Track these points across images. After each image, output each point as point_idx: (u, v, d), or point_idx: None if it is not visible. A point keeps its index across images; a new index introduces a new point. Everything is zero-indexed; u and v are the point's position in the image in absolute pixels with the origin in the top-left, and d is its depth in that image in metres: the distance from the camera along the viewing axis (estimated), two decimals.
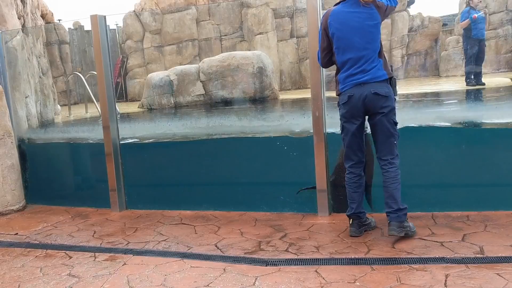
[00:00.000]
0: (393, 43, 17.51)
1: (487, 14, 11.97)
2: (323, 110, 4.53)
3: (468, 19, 10.13)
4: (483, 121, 5.63)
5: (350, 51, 3.76)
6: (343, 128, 3.93)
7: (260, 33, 16.12)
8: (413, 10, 18.24)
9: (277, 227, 4.36)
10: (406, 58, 17.86)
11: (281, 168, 4.88)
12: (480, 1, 10.91)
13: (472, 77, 10.73)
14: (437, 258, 3.34)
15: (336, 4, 3.91)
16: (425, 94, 11.71)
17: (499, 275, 2.99)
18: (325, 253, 3.62)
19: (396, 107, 3.76)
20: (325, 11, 4.01)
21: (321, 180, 4.57)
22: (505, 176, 4.37)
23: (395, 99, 3.79)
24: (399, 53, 17.54)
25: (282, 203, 4.82)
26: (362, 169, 3.99)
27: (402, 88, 12.05)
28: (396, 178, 3.75)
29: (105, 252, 4.03)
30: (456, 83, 12.98)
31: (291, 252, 3.70)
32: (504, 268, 3.08)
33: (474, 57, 10.49)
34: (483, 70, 11.44)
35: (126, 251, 4.00)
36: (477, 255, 3.34)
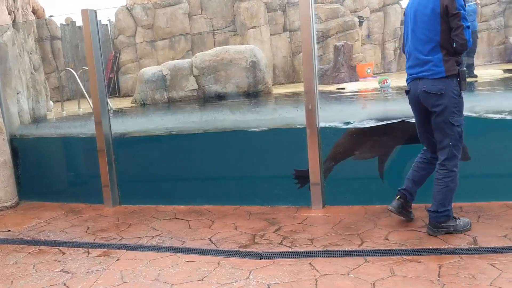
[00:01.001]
0: (385, 36, 17.53)
1: (479, 6, 11.96)
2: (316, 104, 4.52)
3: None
4: (476, 112, 5.66)
5: (409, 40, 3.68)
6: None
7: (253, 27, 16.09)
8: (405, 2, 18.25)
9: (271, 220, 4.36)
10: (398, 51, 17.89)
11: (275, 162, 4.88)
12: None
13: (465, 68, 10.74)
14: (431, 249, 3.35)
15: None
16: None
17: (493, 265, 3.00)
18: (319, 246, 3.63)
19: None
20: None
21: (314, 173, 4.57)
22: (498, 167, 4.39)
23: (457, 96, 3.50)
24: (392, 46, 17.56)
25: (276, 196, 4.82)
26: (431, 157, 3.78)
27: (395, 81, 12.07)
28: (442, 181, 3.57)
29: (98, 247, 4.02)
30: None
31: (285, 245, 3.70)
32: (498, 258, 3.10)
33: None
34: (476, 62, 11.46)
35: (119, 247, 3.99)
36: (471, 246, 3.35)
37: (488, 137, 4.53)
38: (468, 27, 3.39)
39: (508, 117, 4.82)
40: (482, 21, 17.39)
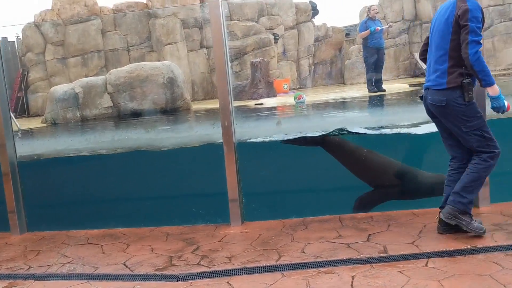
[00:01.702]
0: (300, 52, 18.06)
1: (391, 26, 12.65)
2: (232, 120, 4.53)
3: (369, 30, 10.65)
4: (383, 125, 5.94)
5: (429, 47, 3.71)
6: None
7: (169, 43, 15.95)
8: (317, 20, 18.92)
9: (189, 240, 4.29)
10: (313, 67, 18.48)
11: (193, 180, 4.83)
12: (377, 12, 11.53)
13: (373, 84, 11.28)
14: (344, 259, 3.44)
15: None
16: (331, 102, 12.16)
17: (401, 273, 3.13)
18: (238, 263, 3.61)
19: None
20: None
21: (232, 189, 4.56)
22: None
23: (461, 105, 3.47)
24: (306, 62, 18.11)
25: (195, 215, 4.76)
26: (459, 166, 3.69)
27: (310, 96, 12.42)
28: (474, 166, 3.51)
29: (3, 279, 3.74)
30: (360, 90, 13.58)
31: (203, 265, 3.64)
32: (406, 266, 3.24)
33: (374, 65, 11.03)
34: (383, 77, 12.05)
35: (26, 277, 3.73)
36: (381, 254, 3.48)
37: (396, 150, 4.77)
38: (475, 41, 3.32)
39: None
40: (389, 38, 18.38)
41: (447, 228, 3.69)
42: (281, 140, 4.88)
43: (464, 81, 3.44)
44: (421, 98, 3.82)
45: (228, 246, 4.02)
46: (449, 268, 3.13)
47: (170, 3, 15.91)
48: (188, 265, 3.68)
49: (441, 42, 3.53)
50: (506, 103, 3.48)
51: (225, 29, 4.42)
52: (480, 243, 3.50)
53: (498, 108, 3.48)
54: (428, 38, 3.82)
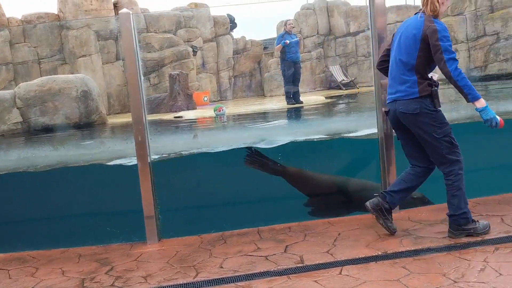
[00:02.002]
0: (220, 65, 18.12)
1: (302, 39, 13.02)
2: (146, 135, 4.42)
3: (280, 44, 10.90)
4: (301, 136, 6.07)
5: (392, 61, 3.82)
6: None
7: (83, 56, 15.40)
8: (236, 34, 19.09)
9: (103, 261, 4.11)
10: (233, 79, 18.60)
11: (106, 197, 4.65)
12: (293, 27, 11.84)
13: (291, 96, 11.54)
14: (262, 272, 3.44)
15: None
16: (251, 114, 12.28)
17: (317, 282, 3.18)
18: (154, 282, 3.50)
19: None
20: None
21: (148, 206, 4.44)
22: None
23: (433, 112, 3.65)
24: (226, 74, 18.20)
25: (109, 234, 4.58)
26: (421, 171, 3.87)
27: (230, 108, 12.47)
28: (453, 186, 3.67)
29: None
30: (279, 102, 13.83)
31: (117, 286, 3.50)
32: (321, 275, 3.30)
33: (291, 78, 11.29)
34: (301, 89, 12.35)
35: None
36: (298, 265, 3.52)
37: (312, 158, 4.88)
38: (451, 58, 3.47)
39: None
40: (305, 52, 18.93)
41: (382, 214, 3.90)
42: (244, 161, 4.88)
43: (433, 89, 3.65)
44: (386, 113, 3.94)
45: (144, 265, 3.90)
46: (362, 275, 3.22)
47: (83, 15, 15.39)
48: (101, 287, 3.52)
49: (408, 57, 3.68)
50: (497, 117, 3.59)
51: (137, 42, 4.32)
52: (390, 249, 3.65)
53: (490, 120, 3.58)
54: (387, 50, 3.96)
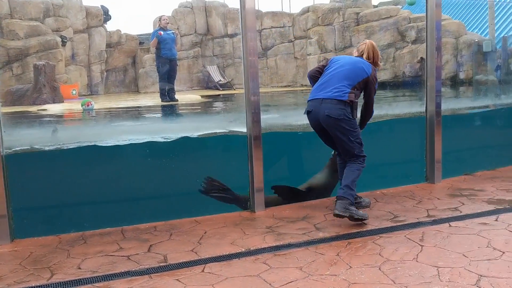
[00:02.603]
0: (91, 58, 17.29)
1: (179, 36, 12.88)
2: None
3: (155, 38, 10.72)
4: (173, 134, 6.00)
5: (327, 76, 4.40)
6: None
7: None
8: (110, 26, 18.37)
9: None
10: (105, 73, 17.86)
11: None
12: (168, 22, 11.70)
13: (166, 93, 11.39)
14: (123, 272, 3.34)
15: None
16: (124, 109, 11.91)
17: (179, 281, 3.16)
18: (2, 285, 3.21)
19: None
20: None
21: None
22: (188, 185, 4.71)
23: (352, 119, 4.27)
24: (98, 68, 17.43)
25: None
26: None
27: (100, 104, 11.97)
28: (355, 166, 4.25)
29: None
30: (153, 99, 13.59)
31: None
32: (184, 273, 3.28)
33: (166, 75, 11.15)
34: (177, 87, 12.25)
35: None
36: (161, 264, 3.47)
37: (183, 157, 4.84)
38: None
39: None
40: (183, 50, 18.81)
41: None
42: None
43: (356, 101, 4.30)
44: (308, 112, 4.36)
45: None
46: (224, 272, 3.27)
47: None
48: None
49: (350, 77, 4.29)
50: None
51: None
52: (253, 246, 3.75)
53: None
54: (323, 67, 4.51)
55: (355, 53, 4.56)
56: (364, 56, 4.46)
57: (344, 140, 4.25)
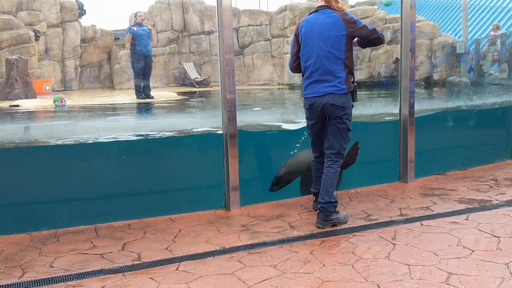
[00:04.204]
0: (65, 53, 17.02)
1: (155, 31, 12.79)
2: None
3: (129, 34, 10.61)
4: (148, 131, 5.96)
5: (311, 59, 4.02)
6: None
7: None
8: (85, 21, 18.12)
9: None
10: (79, 69, 17.61)
11: None
12: (144, 19, 11.60)
13: (141, 90, 11.29)
14: (95, 271, 3.30)
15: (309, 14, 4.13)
16: (99, 106, 11.77)
17: (152, 279, 3.14)
18: None
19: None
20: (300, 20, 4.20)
21: None
22: (163, 183, 4.68)
23: (352, 107, 4.13)
24: (72, 63, 17.18)
25: None
26: (321, 161, 4.28)
27: (74, 100, 11.80)
28: (334, 175, 4.10)
29: None
30: (129, 96, 13.48)
31: None
32: (158, 271, 3.26)
33: (142, 71, 11.05)
34: (152, 84, 12.16)
35: None
36: (135, 262, 3.44)
37: (158, 155, 4.80)
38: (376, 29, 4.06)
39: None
40: (159, 46, 18.68)
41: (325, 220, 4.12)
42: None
43: (355, 85, 4.11)
44: (310, 105, 4.12)
45: None
46: (198, 270, 3.26)
47: None
48: None
49: (334, 53, 3.97)
50: None
51: None
52: (228, 244, 3.75)
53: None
54: (297, 52, 4.17)
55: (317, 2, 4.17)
56: (325, 6, 4.07)
57: (339, 130, 4.05)
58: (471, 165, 6.30)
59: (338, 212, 4.17)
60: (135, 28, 10.58)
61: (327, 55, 3.98)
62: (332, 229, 4.05)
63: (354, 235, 3.88)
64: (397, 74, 5.91)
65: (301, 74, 4.28)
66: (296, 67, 4.27)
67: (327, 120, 4.14)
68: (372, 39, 4.06)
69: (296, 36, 4.18)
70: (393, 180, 5.61)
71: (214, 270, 3.26)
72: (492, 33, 14.29)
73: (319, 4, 4.11)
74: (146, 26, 11.15)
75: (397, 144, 5.62)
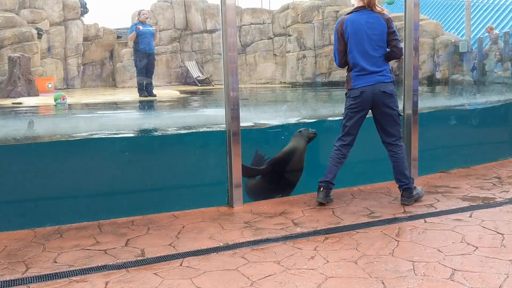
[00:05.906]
0: (68, 51, 17.04)
1: (158, 31, 12.80)
2: None
3: (134, 32, 10.61)
4: (153, 128, 5.97)
5: (357, 54, 4.42)
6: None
7: None
8: (88, 20, 18.14)
9: None
10: (82, 67, 17.63)
11: None
12: (147, 17, 11.60)
13: (144, 88, 11.29)
14: (99, 266, 3.31)
15: (349, 13, 4.50)
16: (102, 104, 11.78)
17: (156, 274, 3.14)
18: None
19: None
20: (340, 18, 4.57)
21: None
22: (166, 180, 4.69)
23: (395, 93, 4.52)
24: (75, 61, 17.19)
25: None
26: (346, 153, 4.61)
27: (77, 98, 11.81)
28: (403, 156, 4.55)
29: None
30: (131, 94, 13.48)
31: None
32: (161, 267, 3.26)
33: (144, 69, 11.06)
34: (155, 82, 12.16)
35: None
36: (138, 258, 3.44)
37: (161, 152, 4.80)
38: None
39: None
40: (161, 45, 18.68)
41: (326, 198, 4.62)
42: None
43: (394, 77, 4.57)
44: (360, 94, 4.43)
45: None
46: (202, 266, 3.26)
47: None
48: None
49: (378, 49, 4.41)
50: None
51: None
52: (231, 240, 3.75)
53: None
54: (344, 49, 4.50)
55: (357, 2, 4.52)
56: (367, 7, 4.43)
57: (392, 118, 4.47)
58: (475, 163, 6.29)
59: (416, 187, 4.65)
60: (141, 27, 10.59)
61: (374, 49, 4.41)
62: (335, 225, 4.05)
63: (357, 232, 3.87)
64: (400, 73, 5.90)
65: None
66: (344, 63, 4.60)
67: (375, 111, 4.51)
68: (393, 47, 4.48)
69: (342, 34, 4.50)
70: None
71: (218, 266, 3.26)
72: (486, 34, 14.29)
73: (360, 4, 4.46)
74: (151, 26, 11.17)
75: None
